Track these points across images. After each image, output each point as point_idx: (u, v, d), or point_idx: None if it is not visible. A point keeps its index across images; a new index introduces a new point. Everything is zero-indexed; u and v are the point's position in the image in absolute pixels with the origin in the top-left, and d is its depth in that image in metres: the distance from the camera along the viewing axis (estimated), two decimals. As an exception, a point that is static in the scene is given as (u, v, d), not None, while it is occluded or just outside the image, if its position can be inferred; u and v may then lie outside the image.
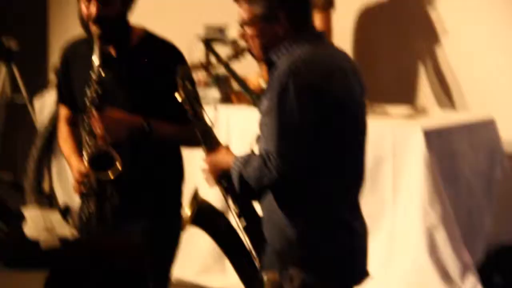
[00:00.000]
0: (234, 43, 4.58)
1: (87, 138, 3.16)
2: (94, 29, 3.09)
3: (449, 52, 5.23)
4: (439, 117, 4.72)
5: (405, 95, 5.33)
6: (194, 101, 2.95)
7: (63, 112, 3.33)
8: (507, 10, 5.03)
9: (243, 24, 2.82)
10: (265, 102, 2.73)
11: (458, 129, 4.52)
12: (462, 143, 4.44)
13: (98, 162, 3.09)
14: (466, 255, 4.21)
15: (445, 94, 5.27)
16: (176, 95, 2.91)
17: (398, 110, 4.72)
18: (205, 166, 2.89)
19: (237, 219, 2.85)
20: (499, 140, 4.64)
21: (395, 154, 4.26)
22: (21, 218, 3.46)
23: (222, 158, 2.85)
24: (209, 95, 4.61)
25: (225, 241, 2.89)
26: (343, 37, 5.29)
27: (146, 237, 3.12)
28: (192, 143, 3.01)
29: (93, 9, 3.07)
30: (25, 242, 3.56)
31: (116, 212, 3.20)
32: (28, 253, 3.78)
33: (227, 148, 2.89)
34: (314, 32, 2.86)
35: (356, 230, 2.81)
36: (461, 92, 5.20)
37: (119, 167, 3.06)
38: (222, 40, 4.71)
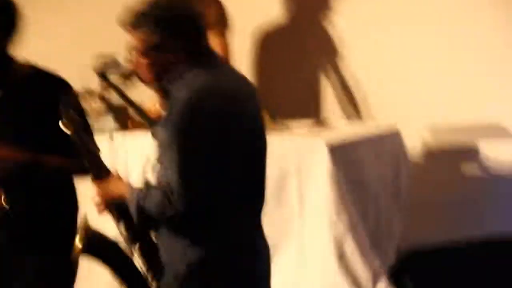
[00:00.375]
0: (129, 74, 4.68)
1: None
2: None
3: (350, 64, 5.40)
4: (344, 130, 4.82)
5: (310, 109, 5.49)
6: (80, 129, 2.95)
7: None
8: (403, 18, 5.21)
9: (134, 52, 2.79)
10: (163, 132, 2.70)
11: (363, 141, 4.62)
12: (368, 155, 4.56)
13: None
14: (376, 261, 4.34)
15: (349, 105, 5.47)
16: (60, 124, 2.90)
17: (301, 125, 4.82)
18: (94, 194, 2.86)
19: (130, 245, 2.84)
20: (405, 150, 4.78)
21: (300, 169, 4.34)
22: None
23: (113, 186, 2.84)
24: (105, 124, 4.61)
25: (120, 269, 2.87)
26: (241, 57, 5.38)
27: (40, 275, 3.14)
28: (85, 172, 2.97)
29: None
30: None
31: (4, 250, 3.18)
32: None
33: (118, 176, 2.87)
34: (209, 57, 2.84)
35: (260, 252, 2.83)
36: (366, 102, 5.40)
37: (3, 205, 3.07)
38: (118, 70, 4.75)
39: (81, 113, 3.07)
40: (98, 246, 2.87)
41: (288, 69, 5.67)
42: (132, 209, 2.69)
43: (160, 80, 2.77)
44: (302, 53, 5.60)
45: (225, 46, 5.03)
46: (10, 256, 3.18)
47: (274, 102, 5.34)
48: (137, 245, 2.81)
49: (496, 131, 5.01)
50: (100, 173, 2.87)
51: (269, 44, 5.68)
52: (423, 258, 4.56)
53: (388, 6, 5.27)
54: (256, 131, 2.81)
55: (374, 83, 5.35)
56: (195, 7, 2.80)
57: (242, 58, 5.45)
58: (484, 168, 5.03)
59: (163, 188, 2.63)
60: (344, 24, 5.43)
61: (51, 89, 3.12)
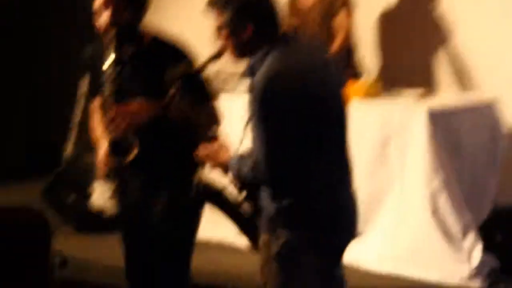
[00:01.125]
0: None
1: (108, 126, 3.49)
2: (111, 32, 3.47)
3: (459, 42, 5.74)
4: (446, 99, 5.15)
5: (424, 80, 5.82)
6: (183, 97, 3.20)
7: (96, 102, 3.65)
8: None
9: (217, 28, 2.98)
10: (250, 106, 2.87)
11: (461, 110, 4.95)
12: (464, 122, 4.87)
13: (119, 146, 3.45)
14: (467, 216, 4.61)
15: (458, 77, 5.77)
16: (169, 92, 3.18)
17: (411, 93, 5.15)
18: (202, 153, 3.09)
19: (238, 193, 3.05)
20: (499, 120, 5.07)
21: (401, 132, 4.69)
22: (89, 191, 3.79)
23: (218, 152, 3.06)
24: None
25: (226, 209, 3.10)
26: (366, 34, 5.88)
27: (171, 207, 3.50)
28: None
29: (107, 15, 3.46)
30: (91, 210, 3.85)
31: (141, 187, 3.55)
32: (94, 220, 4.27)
33: (223, 141, 3.12)
34: (284, 37, 2.96)
35: (342, 199, 3.00)
36: (474, 75, 5.70)
37: (135, 152, 3.41)
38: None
39: (190, 80, 3.27)
40: (209, 193, 3.12)
41: (407, 45, 6.04)
42: (233, 174, 2.96)
43: (243, 57, 2.96)
44: (419, 32, 5.99)
45: (350, 25, 5.52)
46: (146, 192, 3.56)
47: (394, 73, 5.89)
48: (243, 193, 3.03)
49: None
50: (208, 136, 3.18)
51: (389, 23, 6.07)
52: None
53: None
54: (335, 100, 2.98)
55: (481, 57, 5.63)
56: None
57: (367, 35, 5.95)
58: None
59: (253, 158, 2.88)
60: (454, 8, 5.77)
61: (168, 54, 3.47)
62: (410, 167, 4.71)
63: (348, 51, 5.65)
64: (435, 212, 4.61)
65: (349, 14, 5.55)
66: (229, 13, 2.91)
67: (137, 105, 3.49)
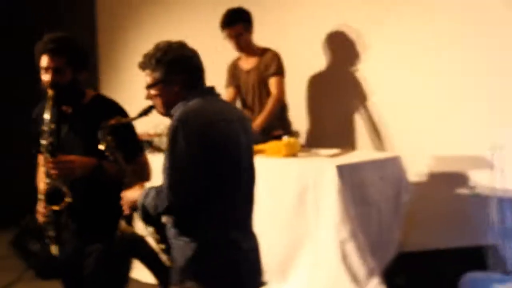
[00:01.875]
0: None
1: (45, 178, 3.65)
2: (49, 92, 3.62)
3: (374, 103, 6.28)
4: (356, 156, 5.55)
5: (345, 140, 6.36)
6: (114, 150, 3.44)
7: (39, 158, 3.85)
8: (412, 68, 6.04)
9: (148, 87, 3.21)
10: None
11: (369, 164, 5.35)
12: (372, 175, 5.27)
13: (53, 196, 3.62)
14: (371, 262, 4.98)
15: (374, 138, 6.30)
16: (100, 145, 3.43)
17: (328, 152, 5.60)
18: (122, 199, 3.30)
19: (155, 243, 3.28)
20: (404, 172, 5.52)
21: (316, 185, 5.07)
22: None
23: (134, 192, 3.25)
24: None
25: (145, 258, 3.33)
26: (295, 96, 6.43)
27: (100, 259, 3.66)
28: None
29: (48, 76, 3.63)
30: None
31: (75, 236, 3.70)
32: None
33: (141, 185, 3.29)
34: (206, 89, 3.22)
35: (244, 247, 3.16)
36: (387, 136, 6.23)
37: (66, 201, 3.57)
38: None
39: (120, 134, 3.49)
40: (130, 241, 3.36)
41: (330, 107, 6.60)
42: (138, 205, 3.13)
43: (168, 109, 3.20)
44: (341, 96, 6.54)
45: (282, 89, 6.13)
46: (79, 242, 3.72)
47: (318, 133, 6.46)
48: (157, 238, 3.25)
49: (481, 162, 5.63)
50: (129, 182, 3.37)
51: (315, 87, 6.65)
52: (415, 261, 5.39)
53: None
54: (240, 151, 3.17)
55: (392, 119, 6.19)
56: (191, 50, 3.23)
57: (295, 97, 6.49)
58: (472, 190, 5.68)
59: (158, 188, 3.07)
60: (371, 74, 6.31)
61: (106, 111, 3.63)
62: (323, 218, 5.06)
63: (282, 109, 6.25)
64: (344, 258, 4.96)
65: (281, 78, 6.15)
66: (161, 69, 3.17)
67: (74, 158, 3.63)
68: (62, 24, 7.40)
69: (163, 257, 3.26)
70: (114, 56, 8.18)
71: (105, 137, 3.48)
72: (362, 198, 5.22)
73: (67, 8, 8.27)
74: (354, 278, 4.99)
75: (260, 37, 6.27)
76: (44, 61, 3.68)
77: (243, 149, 3.21)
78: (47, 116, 3.66)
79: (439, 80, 5.90)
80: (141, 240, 3.33)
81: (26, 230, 3.93)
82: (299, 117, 6.54)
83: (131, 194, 3.27)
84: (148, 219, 3.17)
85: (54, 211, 3.66)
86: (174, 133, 3.04)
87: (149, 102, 3.32)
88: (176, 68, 3.18)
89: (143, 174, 3.78)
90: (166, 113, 3.23)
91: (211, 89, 3.29)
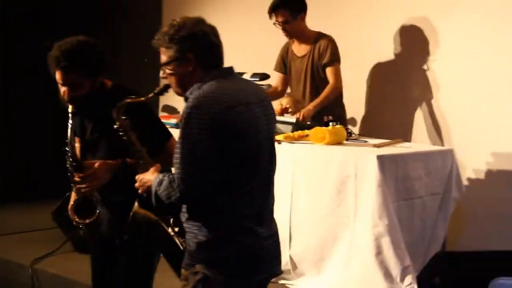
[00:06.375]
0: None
1: (74, 189, 3.68)
2: (70, 107, 3.60)
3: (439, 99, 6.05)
4: (406, 147, 5.31)
5: (401, 132, 6.15)
6: (128, 129, 3.36)
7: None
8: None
9: (161, 65, 3.09)
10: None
11: (416, 156, 5.12)
12: (417, 169, 5.03)
13: (81, 206, 3.66)
14: (407, 259, 4.76)
15: (433, 131, 6.08)
16: (115, 126, 3.35)
17: (376, 141, 5.38)
18: (137, 181, 3.19)
19: (168, 226, 3.18)
20: (456, 167, 5.25)
21: (356, 174, 4.88)
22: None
23: (149, 176, 3.15)
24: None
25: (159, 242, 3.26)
26: (355, 86, 6.26)
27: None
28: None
29: (65, 90, 3.58)
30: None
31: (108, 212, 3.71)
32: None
33: (156, 168, 3.19)
34: (223, 69, 3.07)
35: (260, 234, 3.05)
36: (446, 131, 6.01)
37: (94, 217, 3.62)
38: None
39: (134, 115, 3.39)
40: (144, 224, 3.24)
41: (388, 97, 6.42)
42: (152, 193, 3.03)
43: (184, 89, 3.06)
44: (405, 88, 6.33)
45: (339, 77, 5.93)
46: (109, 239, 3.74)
47: (372, 121, 6.28)
48: (171, 220, 3.18)
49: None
50: (144, 164, 3.28)
51: (380, 78, 6.46)
52: (455, 262, 5.17)
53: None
54: (259, 136, 3.03)
55: (452, 113, 5.98)
56: (208, 26, 3.08)
57: (356, 87, 6.32)
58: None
59: (171, 177, 2.96)
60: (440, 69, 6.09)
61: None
62: (361, 210, 4.90)
63: (338, 97, 6.04)
64: (378, 253, 4.79)
65: (337, 66, 5.96)
66: (174, 47, 3.03)
67: (98, 164, 3.59)
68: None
69: (177, 241, 3.17)
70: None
71: (119, 117, 3.39)
72: (405, 191, 5.01)
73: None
74: (387, 274, 4.80)
75: (330, 21, 6.20)
76: (58, 77, 3.61)
77: (263, 135, 3.07)
78: (68, 131, 3.62)
79: (503, 75, 5.68)
80: (155, 223, 3.22)
81: (67, 202, 3.90)
82: (356, 104, 6.36)
83: (146, 178, 3.16)
84: (162, 206, 3.05)
85: (79, 221, 3.68)
86: (186, 120, 2.91)
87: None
88: (189, 45, 3.03)
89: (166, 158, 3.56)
90: (182, 93, 3.09)
91: (230, 69, 3.13)
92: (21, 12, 7.89)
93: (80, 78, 3.59)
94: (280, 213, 4.80)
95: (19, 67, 7.91)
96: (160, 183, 3.00)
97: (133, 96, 3.45)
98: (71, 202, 3.77)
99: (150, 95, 3.36)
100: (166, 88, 3.23)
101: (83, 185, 3.62)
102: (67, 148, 3.64)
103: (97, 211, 3.66)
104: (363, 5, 6.54)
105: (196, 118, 2.89)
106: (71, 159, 3.63)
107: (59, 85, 3.63)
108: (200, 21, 3.11)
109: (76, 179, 3.62)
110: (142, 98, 3.45)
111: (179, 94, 3.12)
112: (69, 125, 3.64)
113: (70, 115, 3.64)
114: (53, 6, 7.90)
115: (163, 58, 3.09)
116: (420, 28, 6.20)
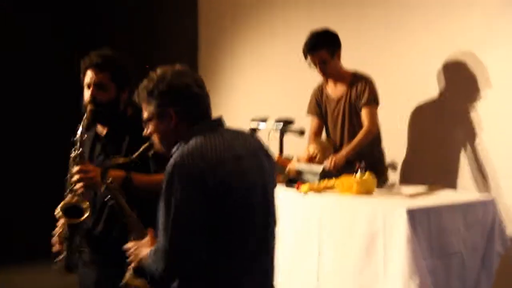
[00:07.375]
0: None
1: (68, 194, 3.53)
2: (88, 106, 3.59)
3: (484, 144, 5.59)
4: (443, 197, 4.90)
5: (445, 178, 5.70)
6: (117, 194, 3.24)
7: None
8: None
9: (143, 122, 2.97)
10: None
11: (452, 207, 4.67)
12: (454, 221, 4.61)
13: (72, 211, 3.46)
14: None
15: (480, 178, 5.60)
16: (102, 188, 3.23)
17: (412, 190, 4.99)
18: (130, 250, 3.05)
19: None
20: (498, 217, 4.82)
21: (385, 229, 4.49)
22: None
23: (144, 248, 2.96)
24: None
25: None
26: (392, 129, 5.86)
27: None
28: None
29: (91, 92, 3.61)
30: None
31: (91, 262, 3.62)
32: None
33: (151, 239, 2.98)
34: (210, 122, 2.91)
35: None
36: (493, 178, 5.52)
37: (86, 216, 3.43)
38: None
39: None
40: None
41: (432, 140, 5.97)
42: (144, 268, 2.91)
43: (170, 148, 2.90)
44: (447, 131, 5.88)
45: (375, 120, 5.54)
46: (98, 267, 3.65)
47: (414, 167, 5.84)
48: None
49: None
50: (138, 232, 3.16)
51: (420, 120, 6.05)
52: None
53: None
54: (253, 184, 2.85)
55: (500, 159, 5.52)
56: (190, 77, 2.92)
57: (396, 129, 5.95)
58: None
59: (155, 247, 2.79)
60: (484, 107, 5.63)
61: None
62: (391, 268, 4.49)
63: (375, 140, 5.65)
64: None
65: (374, 108, 5.57)
66: (153, 102, 2.90)
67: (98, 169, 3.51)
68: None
69: None
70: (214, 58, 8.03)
71: (106, 179, 3.28)
72: (440, 247, 4.57)
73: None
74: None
75: (368, 60, 5.95)
76: (88, 76, 3.67)
77: (257, 189, 2.87)
78: (79, 129, 3.57)
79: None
80: None
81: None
82: (397, 147, 5.93)
83: (141, 250, 2.99)
84: (155, 281, 2.91)
85: (70, 226, 3.52)
86: (169, 181, 2.72)
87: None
88: (169, 100, 2.88)
89: None
90: (167, 151, 2.92)
91: (217, 121, 2.96)
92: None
93: (108, 81, 3.65)
94: (307, 269, 4.70)
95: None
96: (150, 254, 2.84)
97: (118, 157, 3.44)
98: (63, 202, 3.60)
99: (133, 156, 3.29)
100: (150, 147, 3.14)
101: (80, 175, 3.46)
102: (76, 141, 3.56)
103: (85, 215, 3.49)
104: (401, 42, 6.16)
105: (179, 178, 2.70)
106: (76, 153, 3.53)
107: (85, 90, 3.67)
108: (182, 72, 2.94)
109: (75, 169, 3.49)
110: (127, 159, 3.37)
111: (163, 152, 2.96)
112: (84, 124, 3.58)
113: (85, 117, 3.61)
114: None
115: (145, 114, 2.95)
116: (468, 65, 5.76)
